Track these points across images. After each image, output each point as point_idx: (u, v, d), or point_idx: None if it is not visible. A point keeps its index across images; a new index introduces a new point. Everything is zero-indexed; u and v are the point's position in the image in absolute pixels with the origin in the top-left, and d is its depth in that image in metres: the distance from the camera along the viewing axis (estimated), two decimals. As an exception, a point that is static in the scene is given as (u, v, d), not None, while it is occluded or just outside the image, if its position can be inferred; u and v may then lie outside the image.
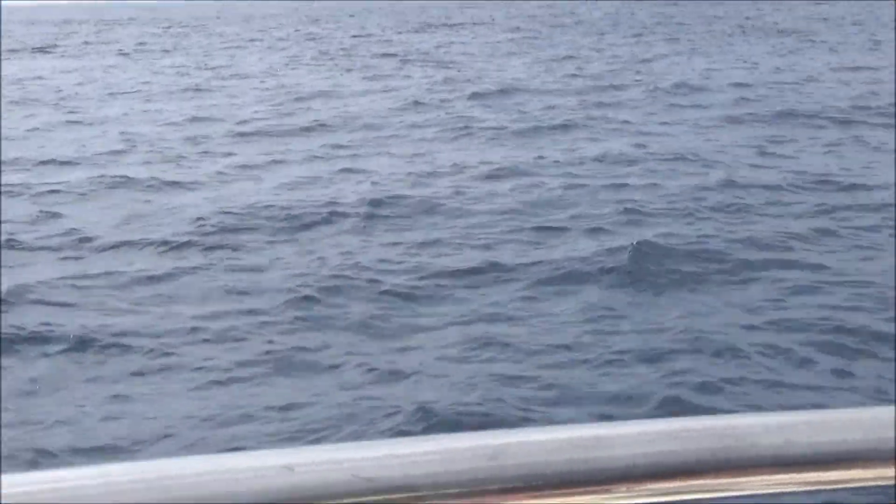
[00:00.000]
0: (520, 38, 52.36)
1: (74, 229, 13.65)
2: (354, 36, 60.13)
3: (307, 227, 13.54)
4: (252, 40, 58.69)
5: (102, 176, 17.38)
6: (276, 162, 18.60)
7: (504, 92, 27.62)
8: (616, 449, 0.97)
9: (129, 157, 19.60)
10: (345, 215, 13.96)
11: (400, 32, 62.30)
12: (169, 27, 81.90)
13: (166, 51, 51.40)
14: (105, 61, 44.38)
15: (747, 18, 64.47)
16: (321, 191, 15.81)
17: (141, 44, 58.19)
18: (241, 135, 21.90)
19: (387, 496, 0.92)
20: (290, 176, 17.08)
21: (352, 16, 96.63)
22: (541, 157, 17.94)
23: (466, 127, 21.74)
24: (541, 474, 0.95)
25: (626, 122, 22.13)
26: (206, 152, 19.86)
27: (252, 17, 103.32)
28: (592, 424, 1.00)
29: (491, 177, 16.36)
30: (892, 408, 1.00)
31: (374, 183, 16.07)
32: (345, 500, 0.91)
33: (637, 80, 29.77)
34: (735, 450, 0.97)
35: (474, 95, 26.80)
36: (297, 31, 69.43)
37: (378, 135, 21.38)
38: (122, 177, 17.26)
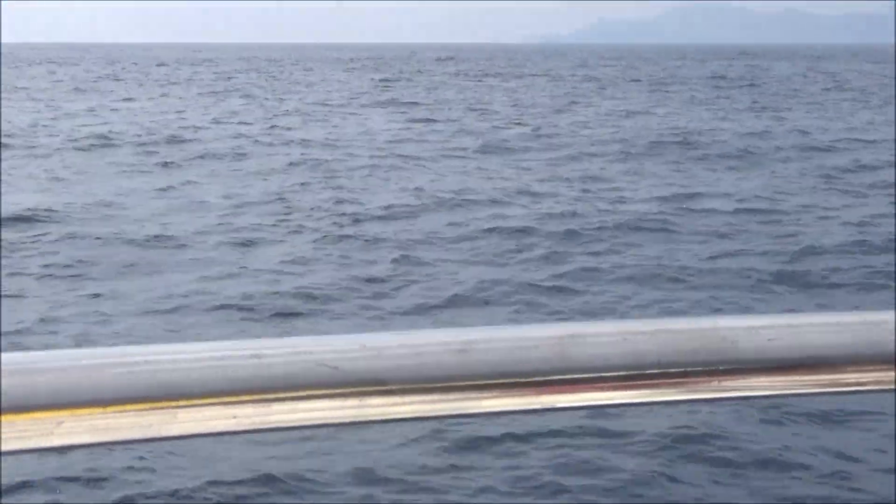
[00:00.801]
0: None
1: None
2: None
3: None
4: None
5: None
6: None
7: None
8: (588, 347, 0.95)
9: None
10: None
11: None
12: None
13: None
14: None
15: None
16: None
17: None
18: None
19: (354, 388, 0.92)
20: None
21: None
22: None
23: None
24: (511, 370, 0.94)
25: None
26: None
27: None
28: (569, 322, 0.99)
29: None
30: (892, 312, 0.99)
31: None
32: (311, 391, 0.91)
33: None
34: (719, 352, 0.96)
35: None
36: None
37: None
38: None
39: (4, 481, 7.16)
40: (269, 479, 7.46)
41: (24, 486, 7.29)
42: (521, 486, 7.45)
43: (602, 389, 0.96)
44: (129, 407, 0.88)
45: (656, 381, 0.96)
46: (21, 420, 0.86)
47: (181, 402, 0.89)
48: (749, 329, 0.97)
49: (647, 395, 0.96)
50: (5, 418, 0.85)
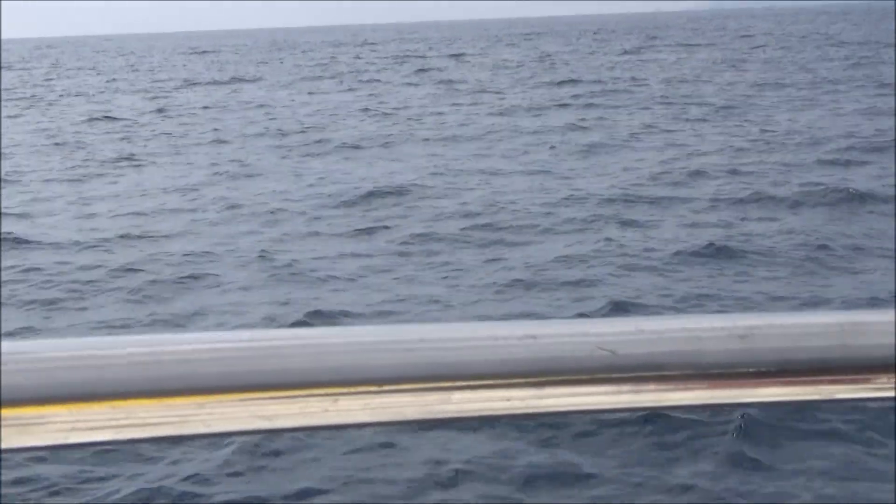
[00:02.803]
0: None
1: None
2: None
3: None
4: None
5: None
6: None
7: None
8: (873, 337, 0.92)
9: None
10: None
11: None
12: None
13: None
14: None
15: None
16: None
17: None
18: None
19: (630, 373, 0.90)
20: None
21: None
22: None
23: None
24: (793, 358, 0.91)
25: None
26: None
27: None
28: (851, 311, 0.95)
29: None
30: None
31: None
32: (586, 375, 0.89)
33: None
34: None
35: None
36: None
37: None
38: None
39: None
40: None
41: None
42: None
43: (883, 381, 0.92)
44: (405, 386, 0.87)
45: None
46: (299, 394, 0.86)
47: (457, 383, 0.88)
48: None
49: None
50: (288, 393, 0.86)
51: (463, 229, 14.77)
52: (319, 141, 25.91)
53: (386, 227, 15.13)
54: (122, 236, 14.91)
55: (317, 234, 14.95)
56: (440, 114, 31.43)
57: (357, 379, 0.87)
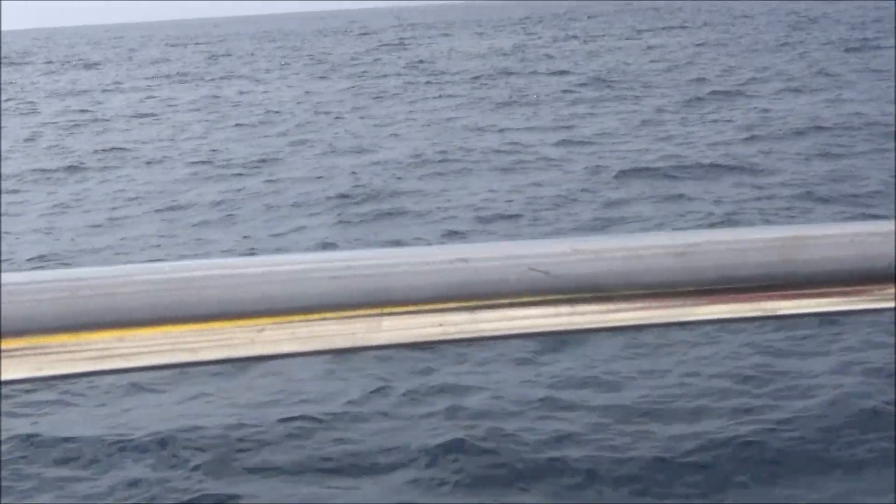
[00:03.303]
0: None
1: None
2: None
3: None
4: None
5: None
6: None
7: None
8: (814, 251, 0.89)
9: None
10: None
11: None
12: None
13: None
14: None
15: None
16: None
17: None
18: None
19: (566, 294, 0.87)
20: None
21: None
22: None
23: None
24: (732, 275, 0.89)
25: None
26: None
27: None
28: (794, 225, 0.93)
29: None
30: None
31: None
32: (521, 298, 0.86)
33: None
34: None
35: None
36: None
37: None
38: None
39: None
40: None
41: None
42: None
43: (827, 296, 0.90)
44: (332, 315, 0.84)
45: (890, 287, 0.90)
46: (222, 327, 0.82)
47: (387, 310, 0.85)
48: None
49: (882, 301, 0.90)
50: (211, 325, 0.82)
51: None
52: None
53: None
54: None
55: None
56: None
57: (282, 308, 0.83)
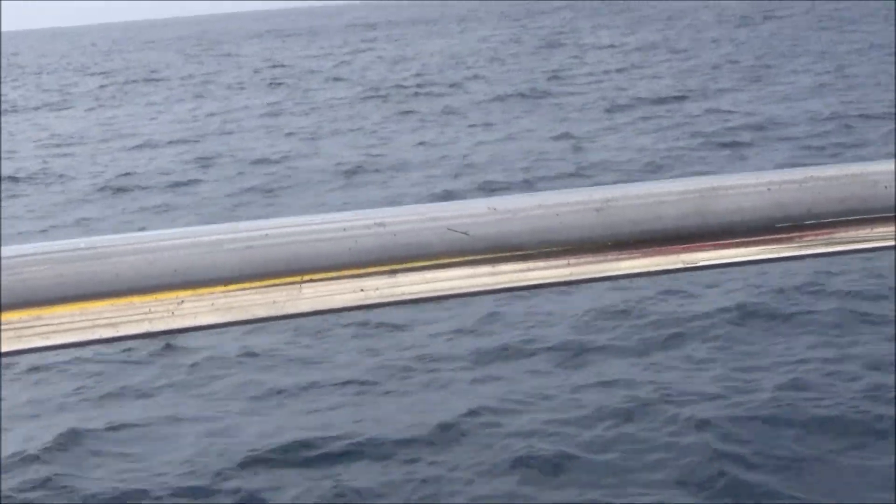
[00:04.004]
0: None
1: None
2: None
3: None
4: None
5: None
6: None
7: None
8: (731, 200, 0.90)
9: None
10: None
11: None
12: None
13: None
14: None
15: None
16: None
17: None
18: None
19: (486, 254, 0.87)
20: None
21: None
22: None
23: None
24: (650, 228, 0.89)
25: None
26: None
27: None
28: (710, 176, 0.93)
29: None
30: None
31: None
32: (440, 259, 0.86)
33: None
34: (873, 199, 0.90)
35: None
36: None
37: None
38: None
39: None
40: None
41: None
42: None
43: (746, 245, 0.90)
44: (250, 284, 0.83)
45: (803, 234, 0.91)
46: (142, 301, 0.81)
47: (306, 277, 0.84)
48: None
49: (794, 248, 0.91)
50: (125, 300, 0.81)
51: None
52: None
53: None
54: None
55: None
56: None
57: (200, 280, 0.82)
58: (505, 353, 7.99)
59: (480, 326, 8.63)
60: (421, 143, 19.96)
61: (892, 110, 18.80)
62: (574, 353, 7.92)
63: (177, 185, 17.49)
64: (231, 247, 0.83)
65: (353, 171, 17.21)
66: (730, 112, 20.86)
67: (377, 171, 17.37)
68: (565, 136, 19.37)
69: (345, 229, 0.85)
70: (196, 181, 17.74)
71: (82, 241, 0.82)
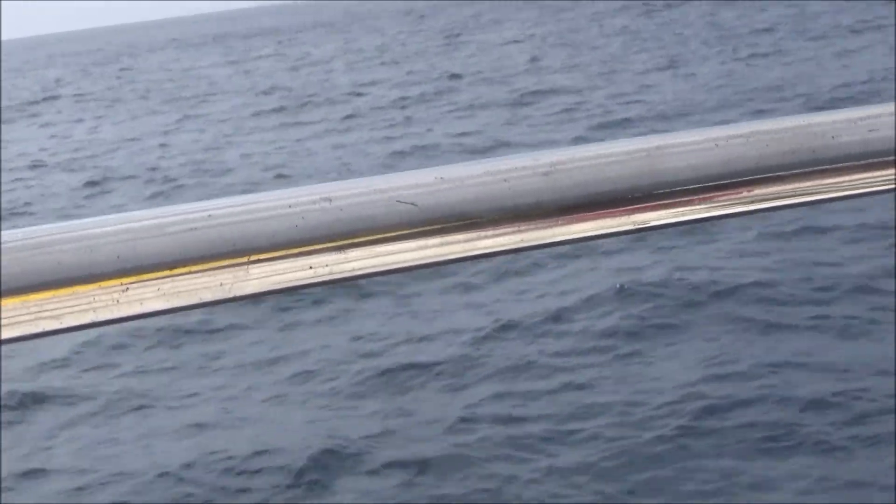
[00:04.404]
0: None
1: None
2: None
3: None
4: None
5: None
6: None
7: None
8: (679, 158, 0.89)
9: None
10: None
11: None
12: None
13: None
14: None
15: None
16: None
17: None
18: None
19: (435, 224, 0.85)
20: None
21: None
22: None
23: None
24: (599, 190, 0.88)
25: None
26: None
27: None
28: (657, 135, 0.92)
29: None
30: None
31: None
32: (389, 232, 0.85)
33: None
34: (821, 149, 0.90)
35: None
36: None
37: None
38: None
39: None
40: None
41: None
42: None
43: (695, 203, 0.90)
44: (196, 267, 0.81)
45: (752, 189, 0.90)
46: (86, 290, 0.78)
47: (253, 257, 0.82)
48: (849, 122, 0.91)
49: (748, 203, 0.91)
50: (68, 290, 0.78)
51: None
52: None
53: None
54: None
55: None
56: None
57: (144, 266, 0.80)
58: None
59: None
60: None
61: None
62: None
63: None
64: (175, 230, 0.81)
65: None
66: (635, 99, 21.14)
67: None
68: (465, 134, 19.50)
69: (290, 206, 0.83)
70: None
71: (19, 232, 0.79)
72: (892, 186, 0.93)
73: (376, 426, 6.84)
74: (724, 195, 0.90)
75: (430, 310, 9.33)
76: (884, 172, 0.92)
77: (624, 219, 0.89)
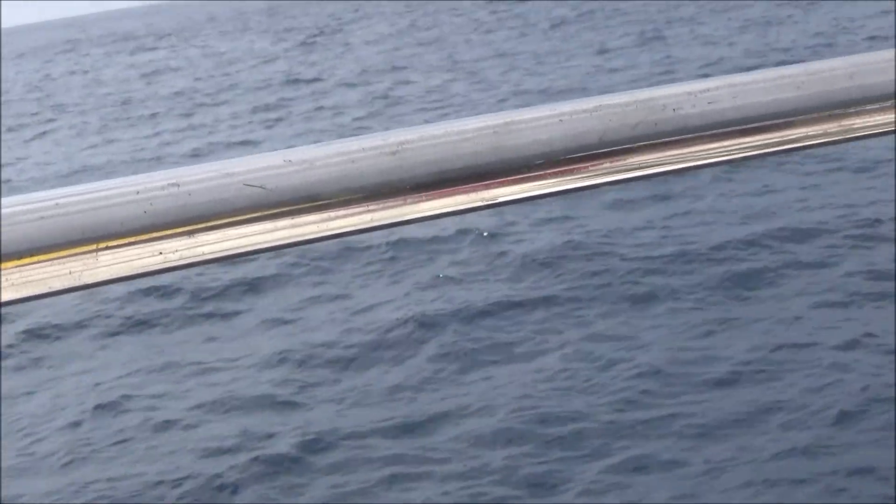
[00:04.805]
0: None
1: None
2: None
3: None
4: None
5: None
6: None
7: None
8: (525, 134, 0.91)
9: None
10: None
11: None
12: None
13: None
14: None
15: None
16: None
17: None
18: None
19: (285, 207, 0.85)
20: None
21: None
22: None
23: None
24: (448, 168, 0.89)
25: None
26: None
27: None
28: (503, 112, 0.93)
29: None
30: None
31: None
32: (238, 216, 0.84)
33: None
34: (664, 122, 0.93)
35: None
36: None
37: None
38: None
39: None
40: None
41: None
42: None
43: (543, 178, 0.91)
44: (45, 256, 0.80)
45: (599, 162, 0.92)
46: None
47: (101, 245, 0.81)
48: (690, 94, 0.94)
49: (594, 176, 0.92)
50: None
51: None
52: None
53: None
54: None
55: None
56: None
57: None
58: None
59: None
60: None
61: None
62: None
63: None
64: (23, 219, 0.79)
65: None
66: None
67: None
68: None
69: (138, 192, 0.82)
70: None
71: None
72: (716, 160, 0.97)
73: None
74: (571, 170, 0.92)
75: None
76: (723, 143, 0.95)
77: (474, 195, 0.90)
